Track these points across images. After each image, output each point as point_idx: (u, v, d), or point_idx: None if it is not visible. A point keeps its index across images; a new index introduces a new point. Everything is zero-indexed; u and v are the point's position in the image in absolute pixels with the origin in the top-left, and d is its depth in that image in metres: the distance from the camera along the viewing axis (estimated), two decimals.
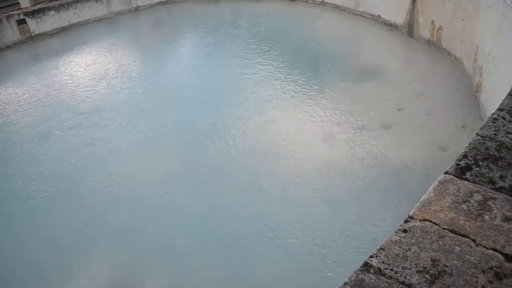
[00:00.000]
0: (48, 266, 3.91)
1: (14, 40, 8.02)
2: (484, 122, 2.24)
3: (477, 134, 2.16)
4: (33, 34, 8.35)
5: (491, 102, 4.96)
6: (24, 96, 6.84)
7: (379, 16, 8.18)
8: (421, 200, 1.75)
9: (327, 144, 5.25)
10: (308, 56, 7.60)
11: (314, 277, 3.67)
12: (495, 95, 4.79)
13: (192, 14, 10.69)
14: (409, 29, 7.37)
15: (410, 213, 1.67)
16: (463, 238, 1.58)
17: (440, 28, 6.60)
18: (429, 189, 1.82)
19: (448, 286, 1.41)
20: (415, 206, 1.71)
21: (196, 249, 4.00)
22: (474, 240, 1.57)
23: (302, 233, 4.06)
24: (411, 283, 1.40)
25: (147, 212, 4.43)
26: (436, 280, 1.42)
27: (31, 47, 8.16)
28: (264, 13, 9.94)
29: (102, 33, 9.17)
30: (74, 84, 7.07)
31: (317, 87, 6.45)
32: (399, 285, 1.39)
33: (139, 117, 6.09)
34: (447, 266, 1.47)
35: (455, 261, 1.49)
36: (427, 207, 1.72)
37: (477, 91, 5.54)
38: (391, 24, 7.88)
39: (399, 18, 7.60)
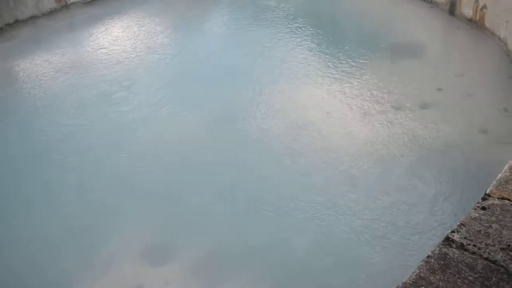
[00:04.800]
0: None
1: (50, 8, 8.05)
2: None
3: None
4: (68, 3, 8.38)
5: None
6: (57, 64, 6.88)
7: None
8: (497, 178, 1.73)
9: (363, 122, 5.21)
10: (345, 32, 7.49)
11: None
12: None
13: None
14: (451, 7, 7.18)
15: (487, 191, 1.66)
16: None
17: (484, 6, 6.42)
18: (505, 167, 1.79)
19: None
20: (492, 184, 1.69)
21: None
22: None
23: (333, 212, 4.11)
24: (496, 260, 1.40)
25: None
26: None
27: (65, 15, 8.19)
28: None
29: (139, 2, 9.04)
30: (107, 54, 7.10)
31: (353, 64, 6.37)
32: (483, 261, 1.39)
33: (171, 91, 6.10)
34: None
35: None
36: (504, 186, 1.70)
37: None
38: (431, 1, 7.68)
39: None
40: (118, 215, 4.24)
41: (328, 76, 6.13)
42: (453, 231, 1.49)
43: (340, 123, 5.20)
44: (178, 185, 4.52)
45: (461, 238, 1.47)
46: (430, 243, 3.55)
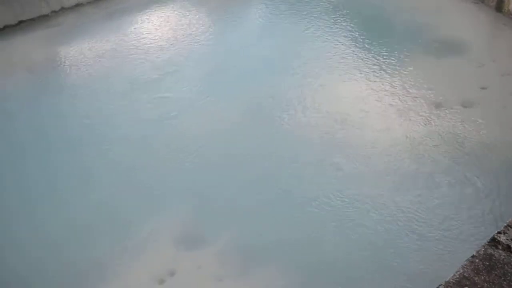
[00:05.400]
0: None
1: None
2: None
3: None
4: None
5: None
6: (99, 51, 7.04)
7: None
8: None
9: (403, 118, 5.15)
10: (386, 26, 7.34)
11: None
12: None
13: None
14: (498, 3, 6.93)
15: None
16: None
17: None
18: None
19: None
20: None
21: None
22: None
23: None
24: None
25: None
26: None
27: (109, 3, 8.32)
28: None
29: None
30: (148, 42, 7.22)
31: (394, 59, 6.26)
32: None
33: (209, 80, 6.17)
34: None
35: None
36: None
37: None
38: None
39: None
40: (151, 203, 4.34)
41: (368, 71, 6.04)
42: (499, 232, 1.47)
43: (378, 119, 5.14)
44: (210, 176, 4.61)
45: (507, 240, 1.45)
46: (468, 244, 3.50)
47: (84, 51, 7.07)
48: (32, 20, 7.69)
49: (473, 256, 1.38)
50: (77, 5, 8.16)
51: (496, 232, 1.48)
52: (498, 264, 1.35)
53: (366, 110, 5.30)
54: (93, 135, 5.30)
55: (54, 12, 7.93)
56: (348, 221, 3.97)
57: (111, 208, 4.31)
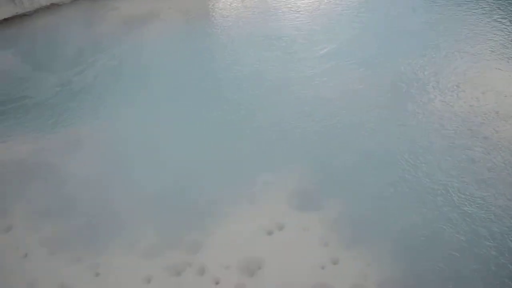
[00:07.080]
0: None
1: None
2: None
3: None
4: None
5: None
6: (249, 5, 7.37)
7: None
8: None
9: None
10: None
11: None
12: None
13: None
14: None
15: None
16: None
17: None
18: None
19: None
20: None
21: None
22: None
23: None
24: None
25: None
26: None
27: None
28: None
29: None
30: (291, 3, 7.28)
31: None
32: None
33: (348, 46, 6.08)
34: None
35: None
36: None
37: None
38: None
39: None
40: (272, 158, 4.50)
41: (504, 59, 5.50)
42: None
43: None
44: (334, 143, 4.61)
45: None
46: None
47: (234, 4, 7.39)
48: None
49: None
50: None
51: None
52: None
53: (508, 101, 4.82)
54: (227, 83, 5.61)
55: None
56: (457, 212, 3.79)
57: (235, 156, 4.57)
